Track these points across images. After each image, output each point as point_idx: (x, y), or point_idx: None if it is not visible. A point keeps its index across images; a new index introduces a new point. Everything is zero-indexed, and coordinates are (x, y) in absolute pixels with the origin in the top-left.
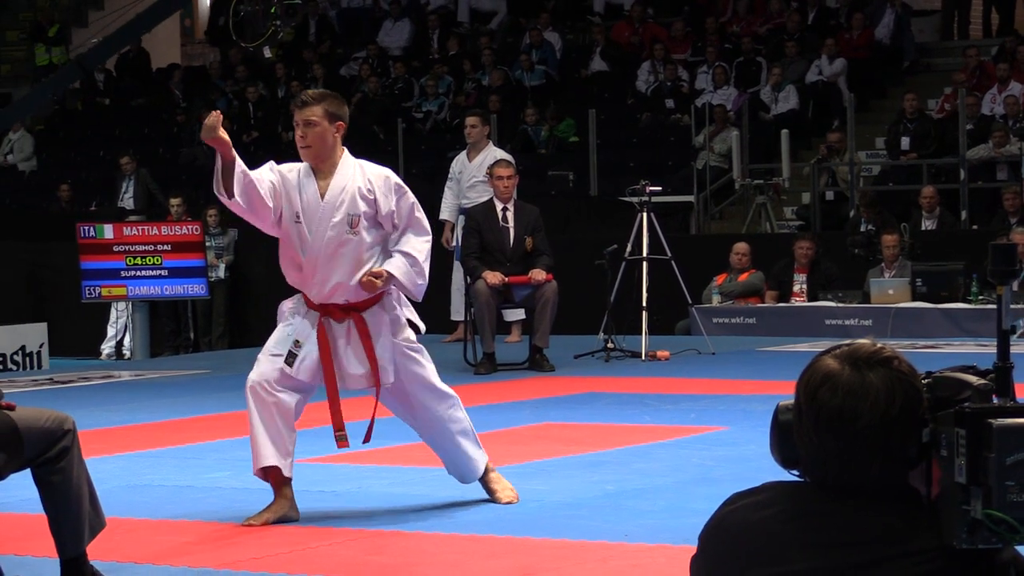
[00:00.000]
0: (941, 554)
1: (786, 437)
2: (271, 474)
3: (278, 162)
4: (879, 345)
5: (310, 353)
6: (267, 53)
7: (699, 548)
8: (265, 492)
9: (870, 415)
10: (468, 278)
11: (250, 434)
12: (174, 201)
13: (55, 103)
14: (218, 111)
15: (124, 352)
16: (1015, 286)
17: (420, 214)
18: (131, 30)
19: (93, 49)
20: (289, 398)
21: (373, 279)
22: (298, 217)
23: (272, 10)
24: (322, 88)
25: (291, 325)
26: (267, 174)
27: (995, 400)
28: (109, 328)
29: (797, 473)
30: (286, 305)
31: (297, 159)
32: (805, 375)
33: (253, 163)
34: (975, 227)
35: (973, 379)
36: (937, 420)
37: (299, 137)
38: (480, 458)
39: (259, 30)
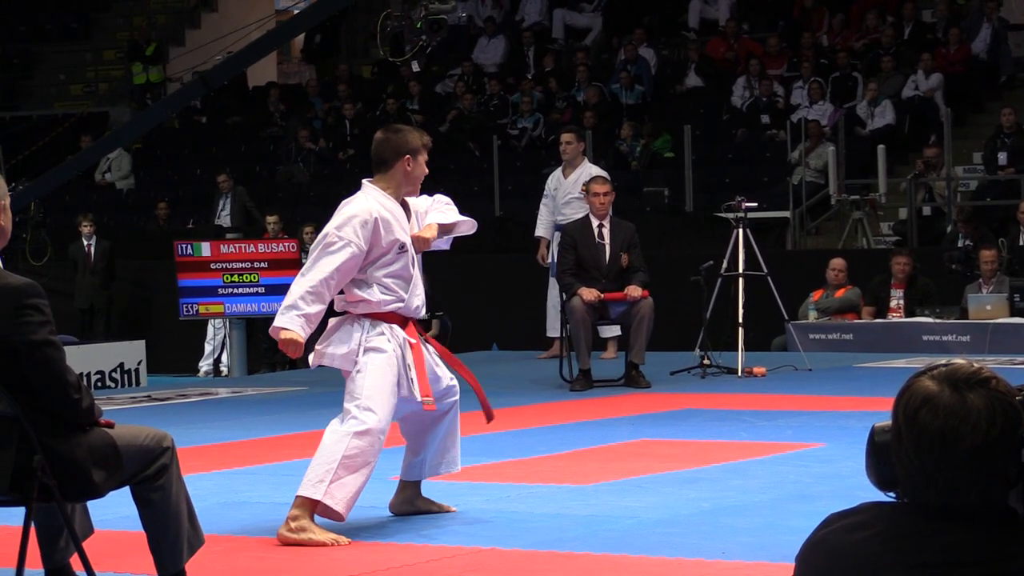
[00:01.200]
0: None
1: (883, 458)
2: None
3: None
4: (977, 365)
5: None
6: (415, 67)
7: (797, 569)
8: (361, 509)
9: (972, 437)
10: (564, 295)
11: (350, 474)
12: (270, 219)
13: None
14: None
15: (221, 369)
16: None
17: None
18: (256, 48)
19: (218, 66)
20: None
21: (424, 237)
22: (403, 247)
23: (418, 25)
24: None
25: (389, 354)
26: (349, 250)
27: None
28: (207, 345)
29: (894, 495)
30: (359, 338)
31: None
32: (903, 396)
33: (349, 180)
34: None
35: None
36: None
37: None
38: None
39: (406, 45)
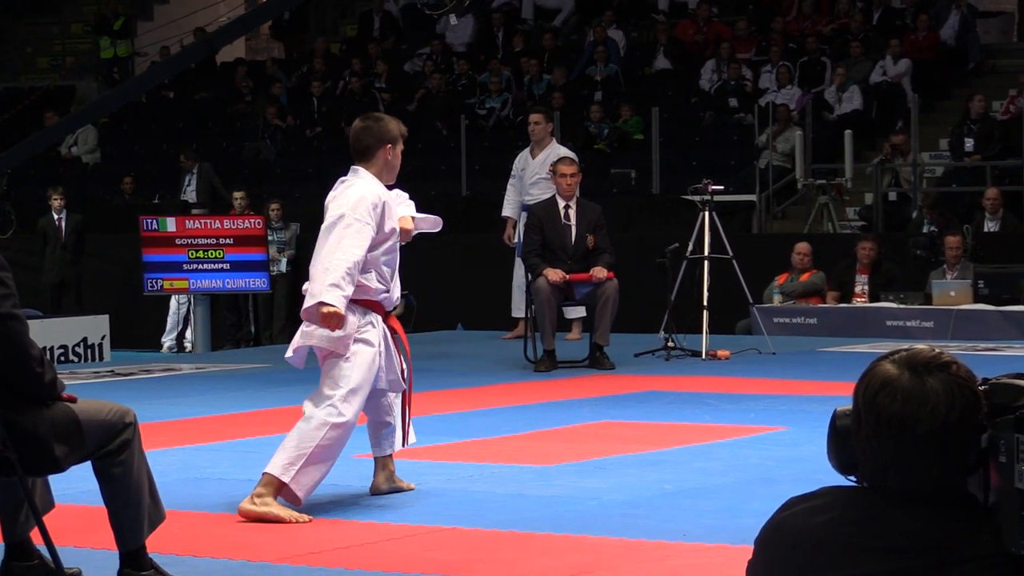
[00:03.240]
0: (999, 560)
1: (844, 443)
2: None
3: (344, 157)
4: (937, 350)
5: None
6: (453, 20)
7: (756, 552)
8: (322, 487)
9: (930, 420)
10: (529, 275)
11: (318, 464)
12: (237, 195)
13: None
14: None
15: (185, 345)
16: None
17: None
18: (264, 11)
19: (223, 27)
20: None
21: (407, 229)
22: (394, 232)
23: None
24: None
25: (374, 350)
26: (368, 231)
27: None
28: (168, 319)
29: (854, 478)
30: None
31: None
32: (864, 381)
33: (316, 157)
34: None
35: None
36: (996, 426)
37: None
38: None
39: None
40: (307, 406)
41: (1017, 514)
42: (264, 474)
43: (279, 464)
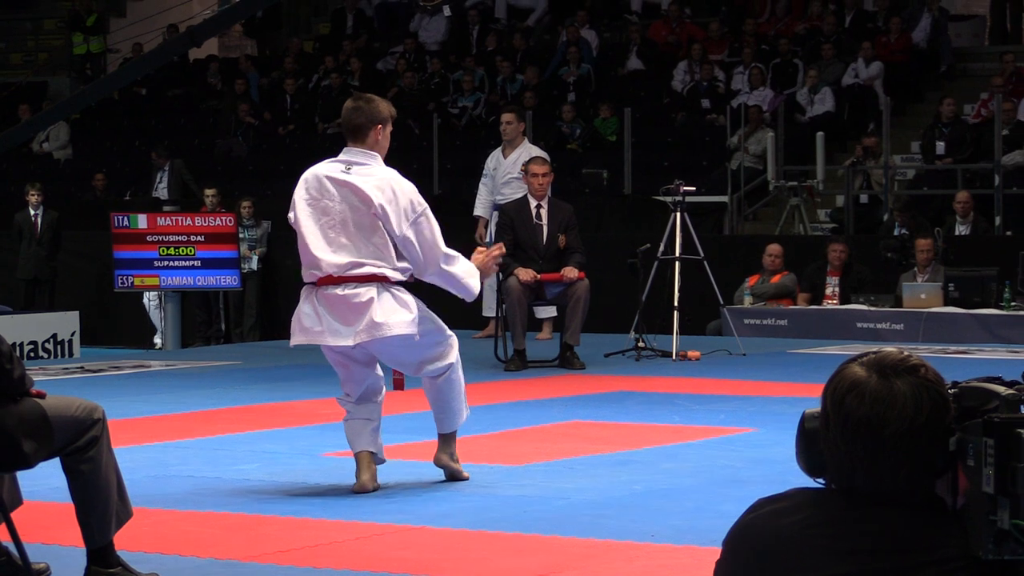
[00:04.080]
0: (967, 564)
1: (812, 445)
2: None
3: (317, 155)
4: (906, 353)
5: None
6: (446, 12)
7: (723, 553)
8: (292, 485)
9: (897, 423)
10: (500, 274)
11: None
12: (208, 192)
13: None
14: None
15: (155, 342)
16: None
17: None
18: (246, 5)
19: (206, 21)
20: None
21: None
22: None
23: None
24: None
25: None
26: None
27: (1023, 410)
28: (153, 318)
29: (823, 481)
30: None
31: (333, 154)
32: (832, 383)
33: (288, 154)
34: (1009, 233)
35: (1000, 389)
36: (965, 429)
37: None
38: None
39: None
40: (425, 369)
41: (985, 518)
42: (444, 435)
43: (454, 420)
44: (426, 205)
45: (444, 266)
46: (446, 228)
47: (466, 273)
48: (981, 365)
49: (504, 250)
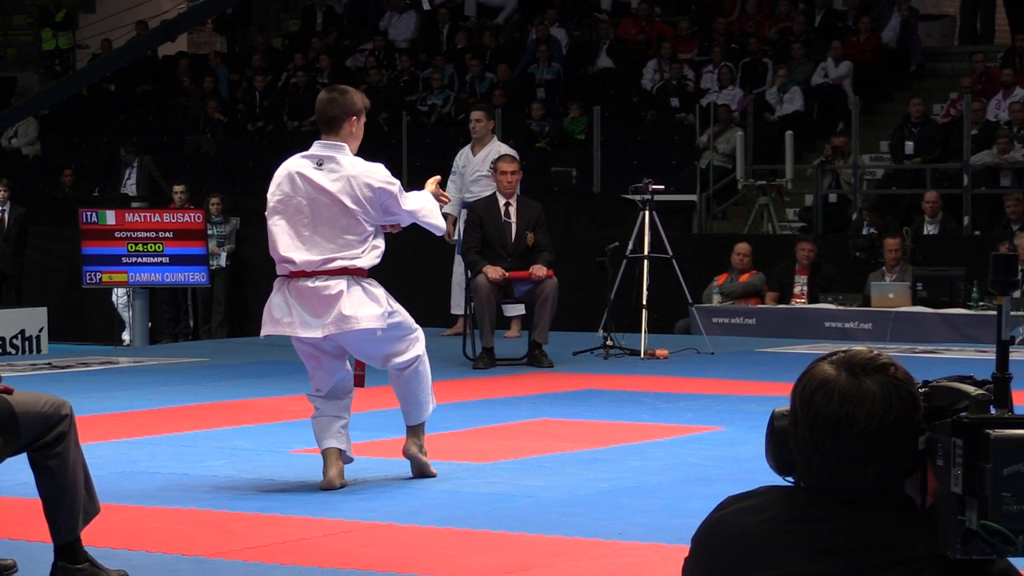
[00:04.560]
0: (935, 563)
1: (781, 443)
2: None
3: (286, 152)
4: (875, 352)
5: None
6: (425, 6)
7: (692, 550)
8: (260, 482)
9: (866, 421)
10: (469, 272)
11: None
12: (177, 188)
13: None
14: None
15: (123, 338)
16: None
17: None
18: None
19: (182, 15)
20: None
21: None
22: None
23: None
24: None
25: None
26: None
27: (992, 411)
28: (123, 315)
29: (792, 479)
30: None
31: (302, 151)
32: (801, 381)
33: (257, 151)
34: (977, 233)
35: (970, 389)
36: (934, 429)
37: None
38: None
39: None
40: (392, 362)
41: (953, 518)
42: (412, 427)
43: (421, 412)
44: (393, 183)
45: (416, 217)
46: (413, 226)
47: (429, 212)
48: (949, 365)
49: (440, 187)
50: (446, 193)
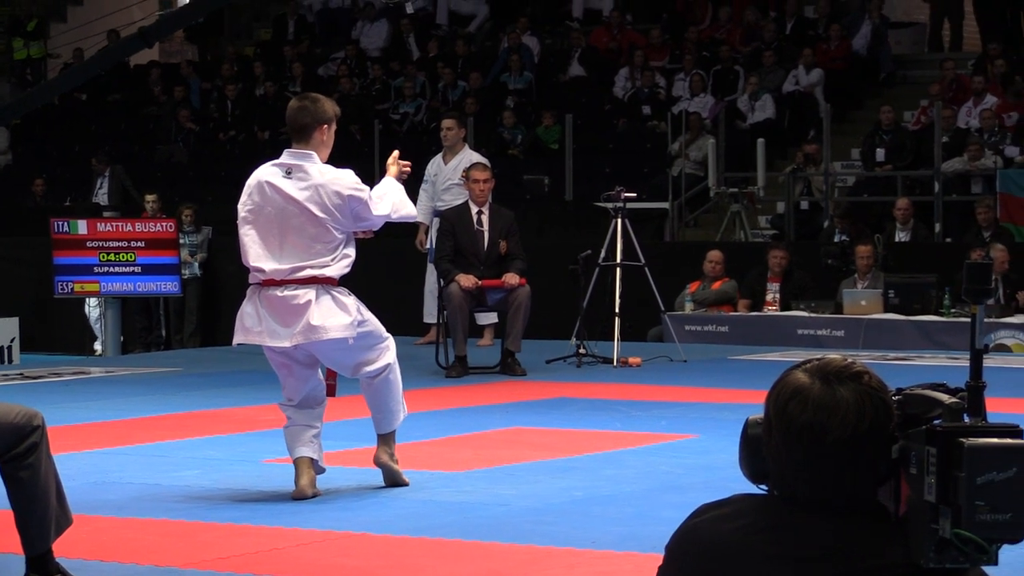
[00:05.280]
0: (908, 571)
1: (755, 451)
2: None
3: (258, 161)
4: (849, 360)
5: None
6: (409, 9)
7: (666, 558)
8: (232, 492)
9: (840, 430)
10: (441, 281)
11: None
12: (149, 198)
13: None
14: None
15: (96, 348)
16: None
17: None
18: (197, 6)
19: (159, 21)
20: None
21: None
22: None
23: None
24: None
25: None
26: None
27: (966, 419)
28: (94, 326)
29: (765, 487)
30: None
31: (275, 157)
32: (775, 389)
33: (229, 160)
34: (948, 240)
35: (944, 397)
36: (908, 437)
37: None
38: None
39: None
40: (362, 370)
41: (926, 526)
42: (383, 436)
43: (392, 420)
44: (362, 189)
45: (389, 218)
46: (386, 234)
47: (400, 206)
48: (921, 371)
49: (401, 162)
50: (408, 165)
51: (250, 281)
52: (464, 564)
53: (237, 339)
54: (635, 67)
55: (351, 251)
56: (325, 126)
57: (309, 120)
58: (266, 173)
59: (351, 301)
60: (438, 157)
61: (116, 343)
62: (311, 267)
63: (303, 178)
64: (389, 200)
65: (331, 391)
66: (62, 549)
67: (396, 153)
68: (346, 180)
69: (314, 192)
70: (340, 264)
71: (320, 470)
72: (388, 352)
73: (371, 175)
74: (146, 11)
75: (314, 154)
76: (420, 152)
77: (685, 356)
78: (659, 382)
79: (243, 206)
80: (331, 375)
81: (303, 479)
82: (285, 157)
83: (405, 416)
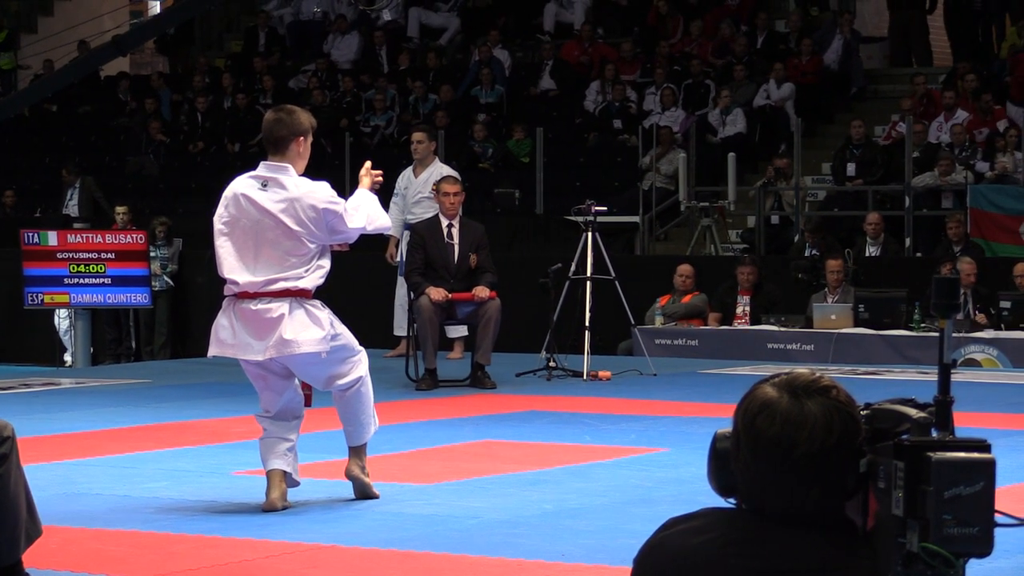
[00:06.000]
0: None
1: (723, 465)
2: None
3: (229, 174)
4: (817, 374)
5: None
6: (386, 16)
7: (634, 571)
8: (202, 504)
9: (808, 444)
10: (411, 294)
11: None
12: (119, 209)
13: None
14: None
15: (65, 360)
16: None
17: None
18: (172, 15)
19: (133, 30)
20: None
21: None
22: None
23: None
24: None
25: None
26: None
27: (934, 433)
28: (64, 339)
29: (734, 501)
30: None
31: (247, 170)
32: (743, 403)
33: (200, 172)
34: (919, 254)
35: (912, 411)
36: (876, 452)
37: None
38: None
39: None
40: (334, 383)
41: (894, 540)
42: (354, 448)
43: (363, 432)
44: (337, 202)
45: (364, 230)
46: (356, 247)
47: (374, 217)
48: (891, 386)
49: (373, 172)
50: (380, 174)
51: (225, 293)
52: None
53: (212, 352)
54: (606, 81)
55: (326, 263)
56: (301, 138)
57: (285, 132)
58: (242, 185)
59: (324, 315)
60: (408, 170)
61: (86, 355)
62: (285, 279)
63: (279, 191)
64: (364, 212)
65: (307, 401)
66: (32, 560)
67: (368, 164)
68: (321, 193)
69: (289, 205)
70: (314, 276)
71: (294, 483)
72: (360, 365)
73: (342, 187)
74: (117, 20)
75: (290, 167)
76: (391, 165)
77: (655, 370)
78: (629, 395)
79: (219, 218)
80: (305, 386)
81: (274, 492)
82: (261, 169)
83: (377, 429)
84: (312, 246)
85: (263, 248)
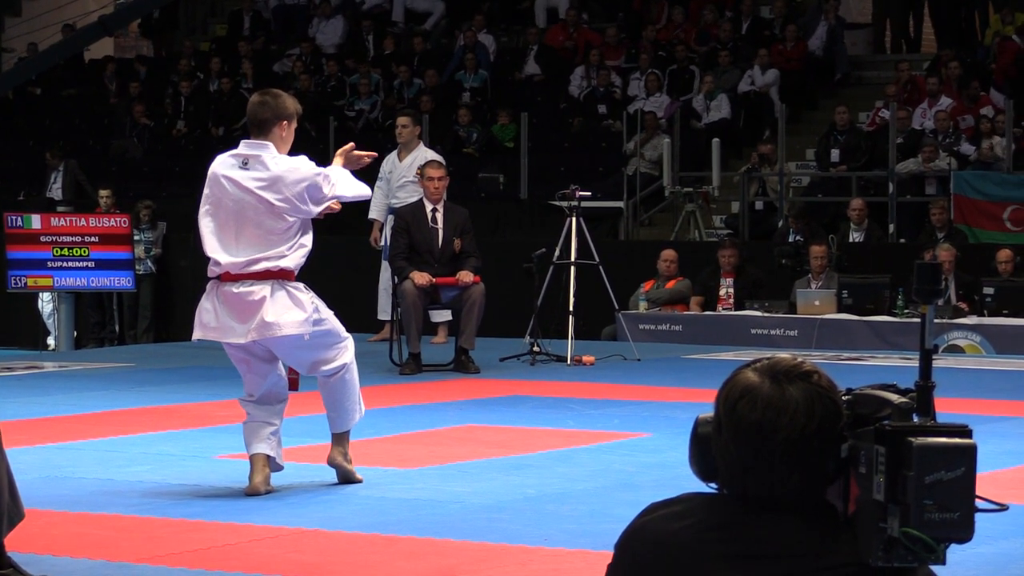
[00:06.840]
0: (857, 571)
1: (705, 450)
2: None
3: (209, 157)
4: (799, 359)
5: None
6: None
7: (615, 556)
8: (185, 488)
9: (789, 429)
10: (395, 278)
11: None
12: (103, 193)
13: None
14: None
15: (49, 343)
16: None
17: None
18: None
19: (119, 10)
20: None
21: None
22: None
23: None
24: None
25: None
26: None
27: (915, 419)
28: (47, 323)
29: (715, 486)
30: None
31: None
32: (725, 388)
33: (183, 156)
34: (902, 240)
35: (894, 397)
36: (857, 437)
37: None
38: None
39: None
40: (319, 369)
41: (875, 525)
42: (337, 435)
43: (347, 420)
44: (317, 172)
45: (345, 196)
46: (340, 231)
47: (354, 185)
48: (874, 372)
49: (363, 152)
50: (368, 156)
51: (208, 275)
52: (417, 561)
53: (195, 335)
54: (591, 66)
55: (307, 241)
56: (285, 122)
57: (269, 115)
58: (222, 165)
59: (307, 297)
60: (393, 154)
61: (69, 338)
62: (267, 259)
63: (259, 168)
64: (342, 179)
65: (293, 385)
66: (14, 543)
67: (351, 144)
68: (301, 168)
69: (270, 182)
70: (296, 255)
71: (277, 467)
72: (346, 352)
73: None
74: (100, 2)
75: (271, 144)
76: (375, 149)
77: (639, 355)
78: (612, 380)
79: (205, 199)
80: (292, 370)
81: (257, 476)
82: (242, 148)
83: (362, 417)
84: (292, 219)
85: (245, 227)
